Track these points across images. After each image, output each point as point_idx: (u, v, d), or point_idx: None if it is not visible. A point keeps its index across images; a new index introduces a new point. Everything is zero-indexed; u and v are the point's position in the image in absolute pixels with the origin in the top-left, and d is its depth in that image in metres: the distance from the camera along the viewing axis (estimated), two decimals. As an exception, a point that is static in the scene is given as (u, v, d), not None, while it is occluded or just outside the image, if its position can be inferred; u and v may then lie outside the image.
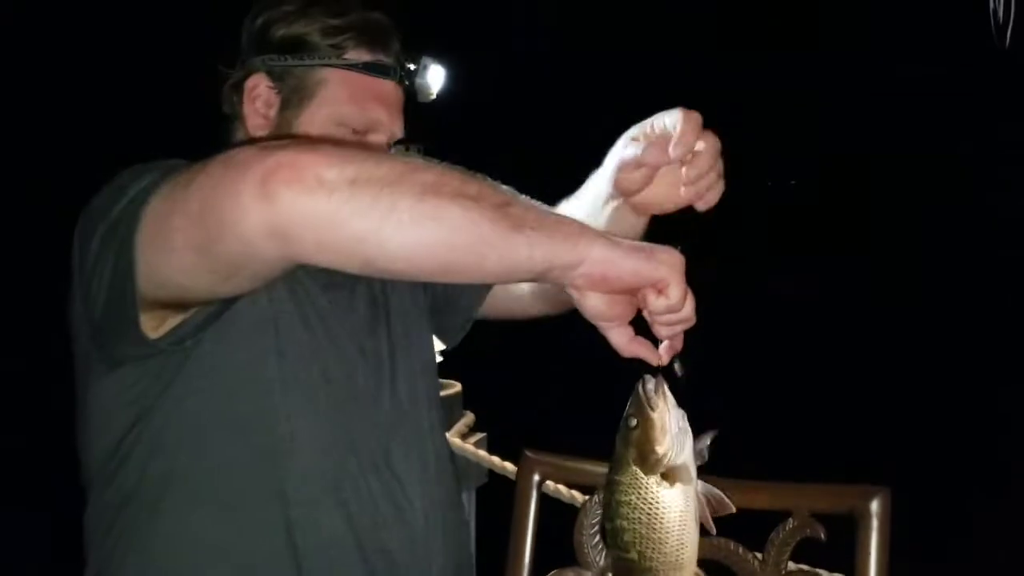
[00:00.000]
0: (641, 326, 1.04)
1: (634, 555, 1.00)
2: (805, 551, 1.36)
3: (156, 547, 1.17)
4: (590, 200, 1.29)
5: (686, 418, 1.00)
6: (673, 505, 0.99)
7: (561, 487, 2.09)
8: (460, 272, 0.97)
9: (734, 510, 1.04)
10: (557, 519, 1.59)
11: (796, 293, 12.02)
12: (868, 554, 1.29)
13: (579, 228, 0.98)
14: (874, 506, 1.30)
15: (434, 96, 1.39)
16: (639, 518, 0.99)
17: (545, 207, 0.98)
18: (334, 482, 1.23)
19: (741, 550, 1.37)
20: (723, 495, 1.03)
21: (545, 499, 1.60)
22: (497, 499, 2.14)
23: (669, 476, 0.98)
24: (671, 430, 0.98)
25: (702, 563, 1.40)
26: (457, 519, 1.40)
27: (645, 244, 1.00)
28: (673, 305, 0.98)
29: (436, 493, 1.36)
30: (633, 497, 0.99)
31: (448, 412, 2.47)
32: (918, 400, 7.18)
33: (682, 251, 1.01)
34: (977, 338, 9.18)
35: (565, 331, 1.23)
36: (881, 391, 7.63)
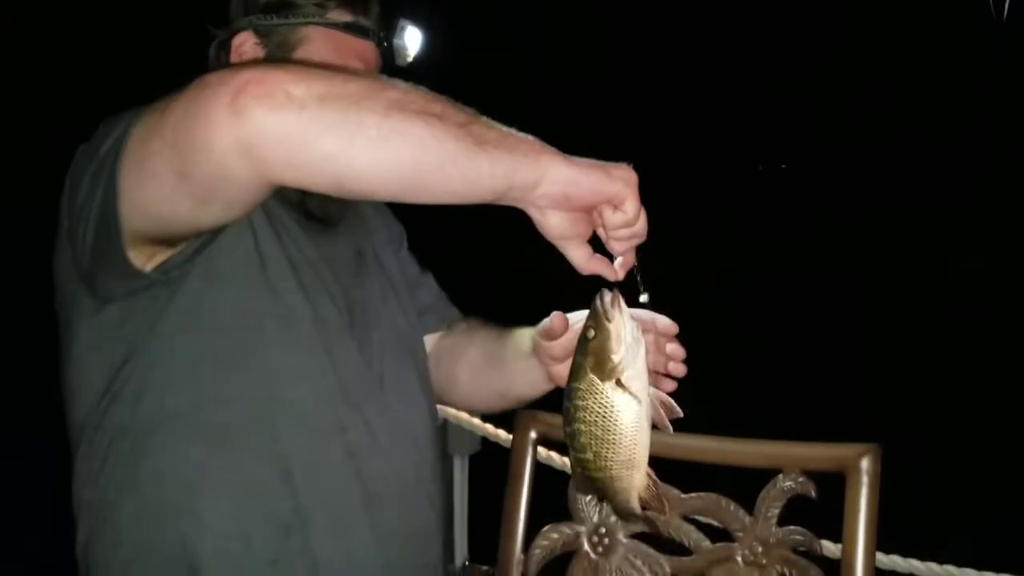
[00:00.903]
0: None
1: (590, 455, 1.06)
2: (796, 511, 1.38)
3: (149, 484, 1.18)
4: (512, 347, 1.38)
5: (640, 329, 1.06)
6: (627, 408, 1.04)
7: (554, 454, 2.12)
8: (425, 190, 0.99)
9: (681, 414, 1.09)
10: (550, 488, 1.62)
11: (787, 269, 12.06)
12: (857, 510, 1.32)
13: (539, 146, 1.01)
14: (864, 463, 1.32)
15: (411, 59, 1.42)
16: (595, 421, 1.05)
17: (505, 127, 1.00)
18: (329, 413, 1.24)
19: (732, 507, 1.40)
20: (672, 400, 1.08)
21: (539, 466, 1.62)
22: (490, 467, 2.16)
23: (623, 382, 1.04)
24: (625, 340, 1.04)
25: (702, 526, 1.45)
26: (438, 473, 1.42)
27: (601, 162, 1.04)
28: (629, 219, 1.04)
29: (426, 431, 1.38)
30: (589, 402, 1.05)
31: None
32: (907, 364, 7.29)
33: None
34: (964, 306, 9.32)
35: (561, 302, 1.25)
36: (870, 356, 7.74)
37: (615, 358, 1.04)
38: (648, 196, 1.09)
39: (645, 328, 1.14)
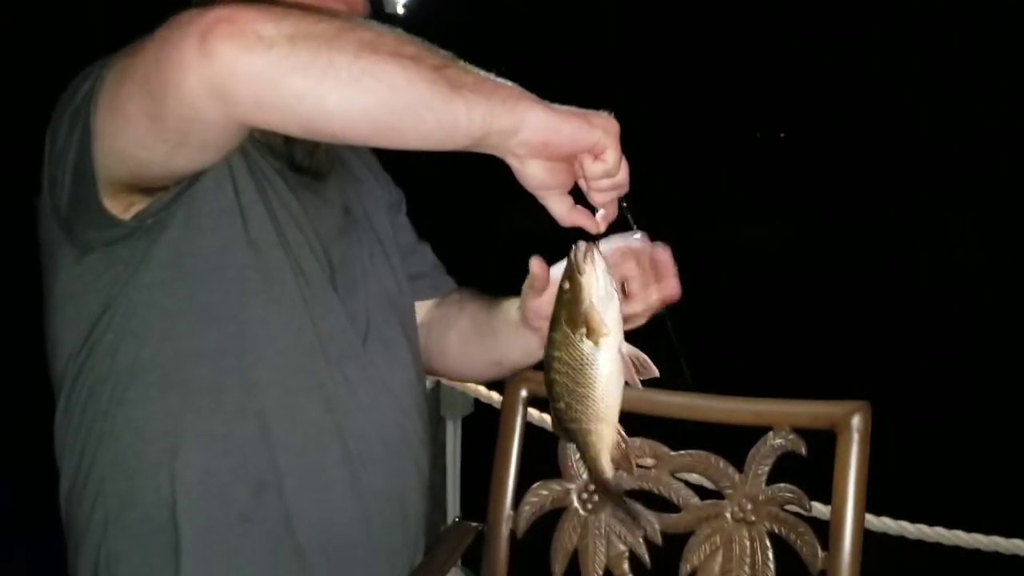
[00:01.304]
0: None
1: (562, 405, 1.09)
2: (786, 473, 1.38)
3: (126, 436, 1.17)
4: (502, 316, 1.36)
5: (614, 283, 1.07)
6: (596, 362, 1.06)
7: (546, 416, 2.11)
8: (398, 134, 0.98)
9: (657, 374, 1.09)
10: (541, 449, 1.61)
11: (782, 237, 12.05)
12: (848, 468, 1.31)
13: (518, 92, 0.99)
14: (855, 420, 1.32)
15: (400, 8, 1.39)
16: (567, 372, 1.07)
17: (483, 72, 0.98)
18: (308, 368, 1.22)
19: (721, 464, 1.40)
20: (647, 359, 1.07)
21: (530, 427, 1.62)
22: (483, 430, 2.16)
23: (594, 334, 1.05)
24: (597, 293, 1.04)
25: (697, 488, 1.44)
26: (425, 434, 1.41)
27: (581, 109, 1.02)
28: (610, 169, 1.03)
29: (412, 393, 1.37)
30: (563, 353, 1.07)
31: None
32: (896, 324, 7.32)
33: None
34: (954, 270, 9.36)
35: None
36: (860, 318, 7.77)
37: (585, 310, 1.05)
38: (644, 164, 1.08)
39: (639, 256, 1.13)
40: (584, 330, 1.06)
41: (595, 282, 1.05)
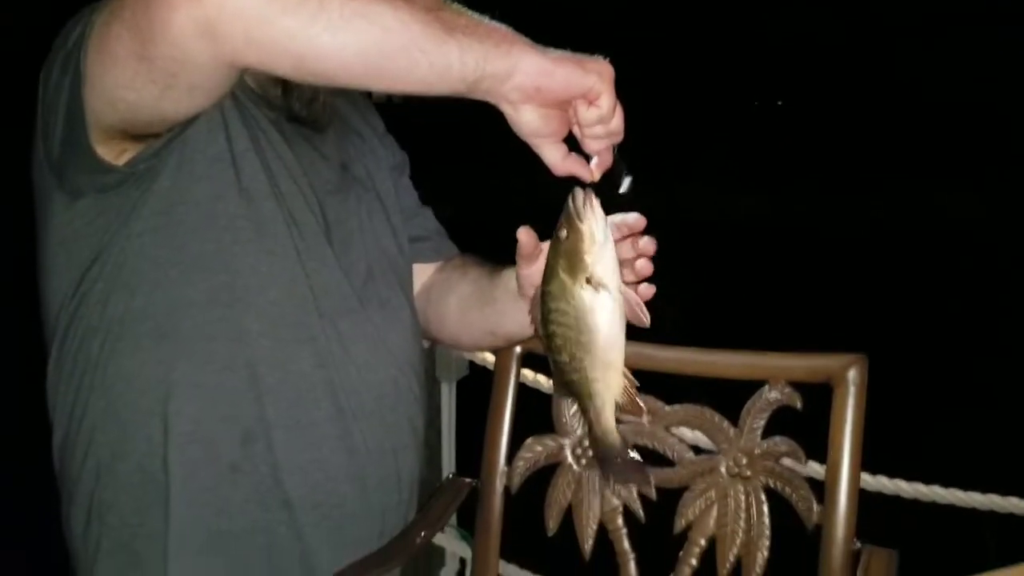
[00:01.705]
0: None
1: (566, 357, 1.06)
2: (781, 423, 1.37)
3: (117, 386, 1.16)
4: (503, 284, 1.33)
5: (611, 229, 1.05)
6: (599, 308, 1.04)
7: (540, 377, 2.10)
8: (390, 77, 0.97)
9: (648, 323, 1.06)
10: (535, 410, 1.60)
11: (777, 205, 12.05)
12: (844, 421, 1.30)
13: (512, 36, 0.98)
14: (851, 373, 1.30)
15: None
16: (568, 323, 1.04)
17: (477, 15, 0.97)
18: (300, 321, 1.21)
19: (716, 418, 1.38)
20: (642, 304, 1.07)
21: (524, 388, 1.60)
22: (478, 392, 2.14)
23: (594, 282, 1.03)
24: (597, 239, 1.02)
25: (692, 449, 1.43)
26: (421, 393, 1.40)
27: (574, 54, 1.01)
28: (604, 115, 1.01)
29: (408, 351, 1.36)
30: (563, 304, 1.04)
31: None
32: (891, 287, 7.34)
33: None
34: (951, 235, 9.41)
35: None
36: (856, 282, 7.79)
37: (587, 258, 1.03)
38: (640, 130, 1.06)
39: (618, 230, 1.11)
40: (585, 277, 1.03)
41: (594, 227, 1.03)
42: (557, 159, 1.06)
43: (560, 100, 1.01)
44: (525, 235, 1.18)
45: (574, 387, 1.09)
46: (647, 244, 1.12)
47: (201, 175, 1.16)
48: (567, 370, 1.07)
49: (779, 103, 20.75)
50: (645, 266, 1.12)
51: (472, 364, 2.60)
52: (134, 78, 0.99)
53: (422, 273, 1.50)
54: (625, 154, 1.09)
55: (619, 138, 1.06)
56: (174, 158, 1.14)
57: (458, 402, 2.72)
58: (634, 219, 1.13)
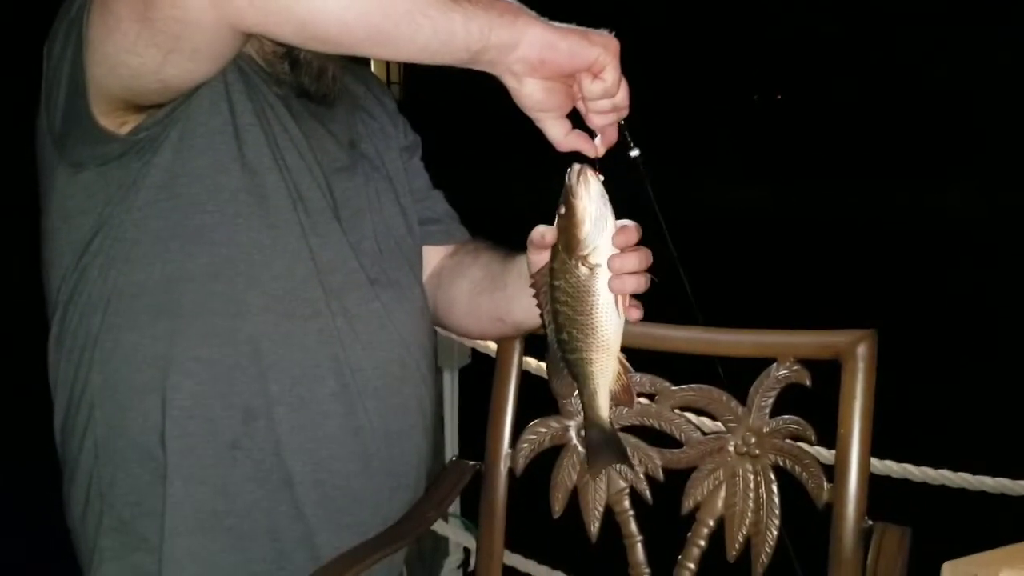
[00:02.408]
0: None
1: (565, 336, 1.05)
2: (791, 402, 1.35)
3: (117, 361, 1.14)
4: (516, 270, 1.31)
5: (608, 205, 1.03)
6: (592, 287, 1.03)
7: (543, 365, 2.08)
8: (393, 42, 0.96)
9: (637, 317, 1.07)
10: (539, 396, 1.57)
11: (777, 198, 12.02)
12: (853, 398, 1.28)
13: (516, 7, 0.98)
14: (860, 349, 1.28)
15: None
16: (567, 301, 1.04)
17: None
18: (304, 296, 1.19)
19: (724, 397, 1.36)
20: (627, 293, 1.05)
21: (526, 376, 1.58)
22: (480, 380, 2.12)
23: (588, 262, 1.02)
24: (590, 215, 1.01)
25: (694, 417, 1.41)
26: (430, 374, 1.38)
27: (579, 27, 1.00)
28: (609, 88, 1.00)
29: (418, 332, 1.34)
30: (562, 281, 1.04)
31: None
32: (893, 265, 7.31)
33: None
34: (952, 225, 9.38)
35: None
36: (858, 262, 7.75)
37: (580, 235, 1.02)
38: (640, 124, 1.05)
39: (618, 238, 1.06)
40: (580, 255, 1.03)
41: (589, 204, 1.02)
42: (560, 134, 1.04)
43: (564, 73, 1.00)
44: (540, 228, 1.15)
45: (571, 367, 1.08)
46: (643, 258, 1.07)
47: (203, 147, 1.14)
48: (566, 349, 1.06)
49: (779, 97, 20.72)
50: (640, 282, 1.07)
51: (475, 352, 2.58)
52: (136, 41, 0.97)
53: (432, 257, 1.47)
54: (632, 131, 1.07)
55: (624, 113, 1.05)
56: (176, 130, 1.13)
57: (460, 390, 2.70)
58: (628, 234, 1.06)
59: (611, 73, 0.99)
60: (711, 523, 1.36)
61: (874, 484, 1.30)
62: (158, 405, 1.13)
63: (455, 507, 2.64)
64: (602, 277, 1.04)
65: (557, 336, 1.07)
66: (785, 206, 12.00)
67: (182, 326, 1.14)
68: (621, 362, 1.08)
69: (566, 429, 1.44)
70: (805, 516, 1.29)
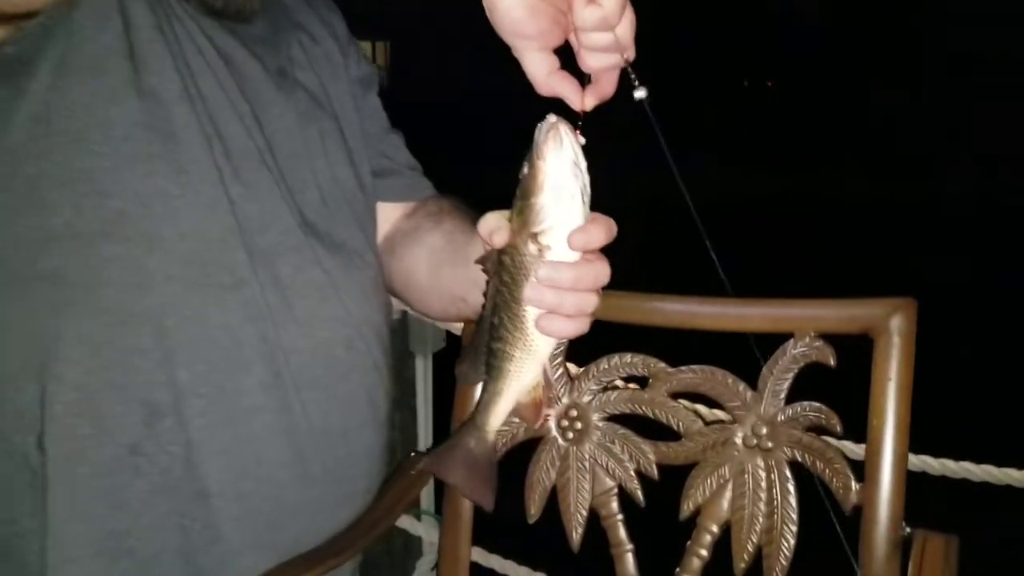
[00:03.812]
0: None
1: (496, 320, 0.87)
2: (811, 382, 1.14)
3: None
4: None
5: (582, 177, 0.81)
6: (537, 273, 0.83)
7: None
8: None
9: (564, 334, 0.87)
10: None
11: (768, 186, 11.90)
12: (886, 380, 1.07)
13: None
14: (895, 322, 1.07)
15: None
16: (508, 281, 0.84)
17: None
18: (222, 261, 0.97)
19: (730, 380, 1.15)
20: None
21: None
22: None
23: (539, 238, 0.82)
24: (553, 184, 0.80)
25: (690, 401, 1.20)
26: (384, 359, 1.15)
27: None
28: (608, 17, 0.79)
29: (368, 306, 1.11)
30: (507, 258, 0.84)
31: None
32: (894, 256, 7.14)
33: None
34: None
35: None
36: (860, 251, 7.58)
37: (534, 205, 0.81)
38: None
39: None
40: (531, 231, 0.82)
41: (552, 169, 0.80)
42: (541, 72, 0.83)
43: None
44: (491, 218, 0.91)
45: (489, 356, 0.88)
46: (596, 274, 0.86)
47: (89, 70, 0.92)
48: (492, 336, 0.87)
49: (769, 84, 20.59)
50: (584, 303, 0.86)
51: (449, 335, 2.36)
52: None
53: (387, 215, 1.24)
54: (639, 76, 0.84)
55: (628, 54, 0.83)
56: (55, 49, 0.90)
57: (435, 377, 2.48)
58: (591, 233, 0.84)
59: None
60: (715, 529, 1.15)
61: (909, 483, 1.09)
62: (35, 399, 0.91)
63: (428, 503, 2.43)
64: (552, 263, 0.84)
65: (489, 317, 0.88)
66: (771, 188, 11.86)
67: (65, 299, 0.92)
68: (545, 372, 0.89)
69: (544, 419, 1.22)
70: (828, 522, 1.08)
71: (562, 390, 1.22)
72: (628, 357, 1.20)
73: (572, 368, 1.25)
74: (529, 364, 0.87)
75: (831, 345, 1.10)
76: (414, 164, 1.30)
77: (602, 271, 0.86)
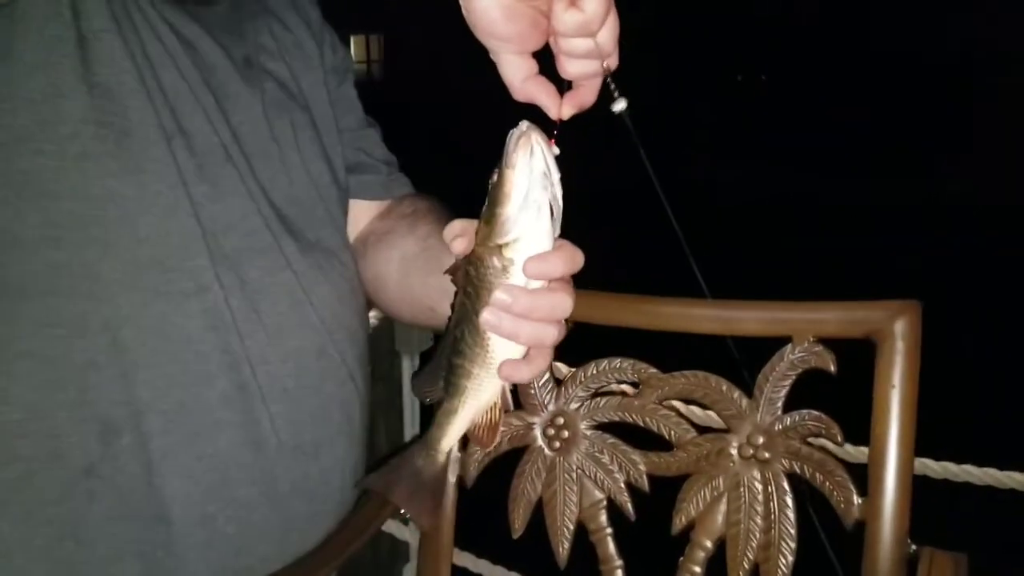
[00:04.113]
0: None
1: (458, 333, 0.82)
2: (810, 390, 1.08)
3: None
4: None
5: (551, 190, 0.76)
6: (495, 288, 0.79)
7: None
8: None
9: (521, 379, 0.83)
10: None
11: (761, 179, 11.85)
12: (889, 387, 1.00)
13: None
14: (899, 326, 1.00)
15: None
16: (470, 292, 0.80)
17: None
18: (183, 266, 0.91)
19: (725, 387, 1.09)
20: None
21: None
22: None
23: (503, 251, 0.77)
24: (520, 194, 0.75)
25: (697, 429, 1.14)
26: (361, 369, 1.09)
27: None
28: (588, 22, 0.72)
29: (343, 311, 1.05)
30: (472, 268, 0.80)
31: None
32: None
33: None
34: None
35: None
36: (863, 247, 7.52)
37: (499, 215, 0.76)
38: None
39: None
40: (496, 243, 0.78)
41: (521, 179, 0.75)
42: (517, 76, 0.78)
43: None
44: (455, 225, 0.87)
45: (449, 370, 0.83)
46: (557, 304, 0.81)
47: (35, 63, 0.85)
48: (454, 349, 0.82)
49: (763, 77, 20.53)
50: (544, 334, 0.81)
51: (437, 335, 2.30)
52: None
53: (360, 215, 1.18)
54: (621, 88, 0.79)
55: (611, 63, 0.77)
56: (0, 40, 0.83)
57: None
58: (553, 261, 0.79)
59: (593, 3, 0.72)
60: (709, 545, 1.08)
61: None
62: None
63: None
64: (514, 279, 0.79)
65: (452, 330, 0.83)
66: (765, 185, 11.81)
67: (9, 310, 0.85)
68: (504, 394, 0.85)
69: (529, 428, 1.16)
70: (828, 538, 1.02)
71: (548, 397, 1.16)
72: (617, 362, 1.14)
73: (562, 367, 1.19)
74: (488, 382, 0.82)
75: (831, 350, 1.04)
76: (390, 159, 1.23)
77: (561, 302, 0.80)
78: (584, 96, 0.79)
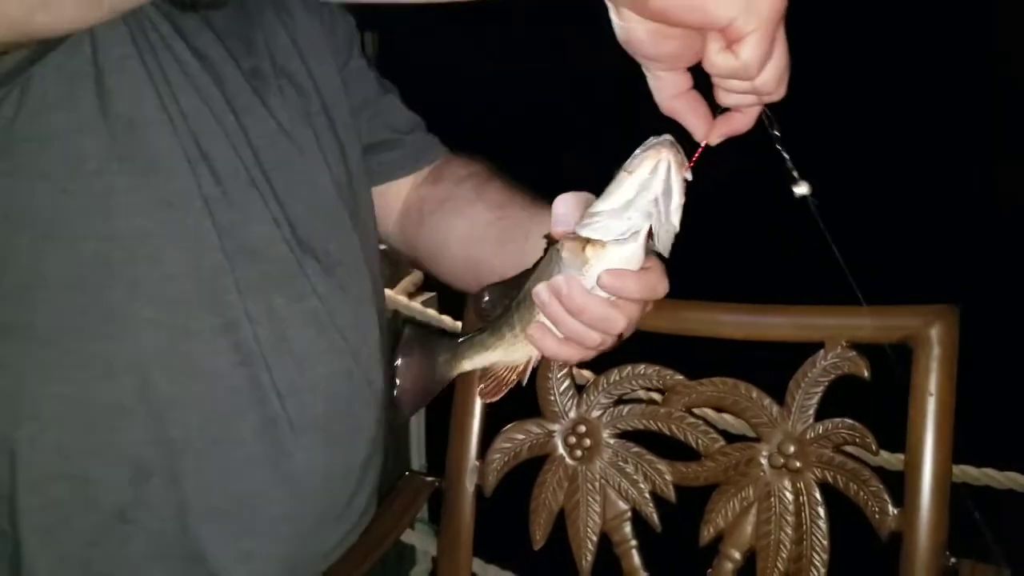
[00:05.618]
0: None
1: (527, 289, 0.78)
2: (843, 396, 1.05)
3: None
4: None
5: (662, 213, 0.71)
6: (554, 272, 0.75)
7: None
8: None
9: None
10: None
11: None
12: (926, 395, 0.98)
13: None
14: (936, 331, 0.98)
15: None
16: (552, 259, 0.76)
17: None
18: (212, 301, 0.88)
19: (755, 394, 1.06)
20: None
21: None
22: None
23: (587, 250, 0.73)
24: (624, 196, 0.71)
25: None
26: (385, 384, 1.05)
27: None
28: (744, 69, 0.64)
29: (369, 332, 1.02)
30: (559, 245, 0.76)
31: (394, 268, 2.12)
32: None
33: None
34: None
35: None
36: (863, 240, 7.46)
37: (594, 214, 0.72)
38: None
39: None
40: (580, 226, 0.74)
41: (632, 184, 0.71)
42: (666, 94, 0.71)
43: (676, 24, 0.65)
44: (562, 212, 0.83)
45: (504, 311, 0.81)
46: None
47: (57, 100, 0.82)
48: (518, 300, 0.80)
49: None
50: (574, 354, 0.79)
51: (442, 334, 2.27)
52: None
53: (398, 192, 1.13)
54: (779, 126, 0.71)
55: (772, 98, 0.69)
56: (20, 78, 0.80)
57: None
58: (629, 281, 0.74)
59: (750, 48, 0.64)
60: (738, 557, 1.06)
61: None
62: (6, 464, 0.83)
63: (422, 511, 2.33)
64: (586, 281, 0.75)
65: (526, 278, 0.80)
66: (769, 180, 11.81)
67: (37, 352, 0.83)
68: (527, 366, 0.82)
69: (550, 435, 1.13)
70: (863, 550, 0.99)
71: (568, 403, 1.13)
72: (642, 368, 1.11)
73: (584, 373, 1.16)
74: (521, 345, 0.80)
75: (864, 356, 1.01)
76: (415, 123, 1.16)
77: (615, 318, 0.76)
78: (738, 124, 0.72)
